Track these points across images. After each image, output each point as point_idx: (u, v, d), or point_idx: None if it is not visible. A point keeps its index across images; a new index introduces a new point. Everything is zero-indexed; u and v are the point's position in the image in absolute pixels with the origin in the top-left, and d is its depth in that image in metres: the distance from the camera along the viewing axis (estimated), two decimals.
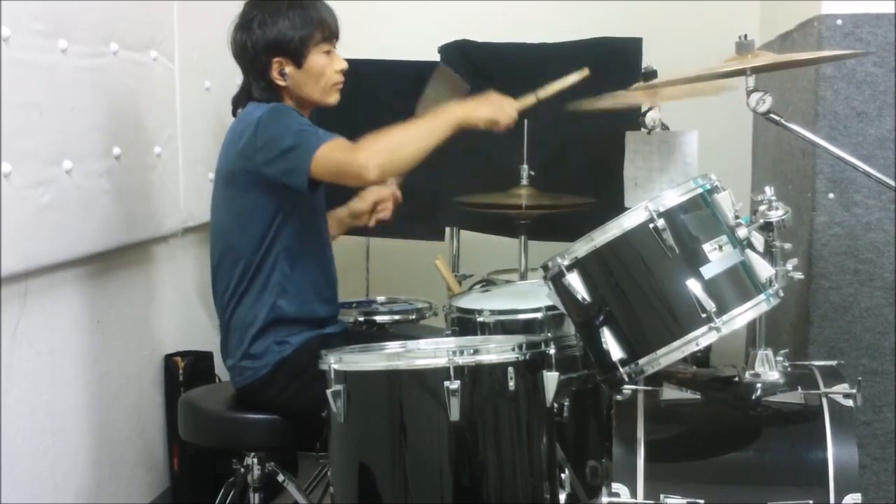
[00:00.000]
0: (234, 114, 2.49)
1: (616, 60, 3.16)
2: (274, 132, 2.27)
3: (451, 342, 2.37)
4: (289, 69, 2.39)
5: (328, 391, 2.05)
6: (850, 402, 2.08)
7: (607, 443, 2.18)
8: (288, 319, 2.40)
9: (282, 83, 2.40)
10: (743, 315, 2.01)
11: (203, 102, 3.28)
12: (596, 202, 2.91)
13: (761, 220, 2.12)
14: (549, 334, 2.32)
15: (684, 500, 2.00)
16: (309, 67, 2.40)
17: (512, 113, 2.40)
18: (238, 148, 2.34)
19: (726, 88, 2.55)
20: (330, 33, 2.43)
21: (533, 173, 2.99)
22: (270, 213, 2.36)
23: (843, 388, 2.11)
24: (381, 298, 3.20)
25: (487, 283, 3.09)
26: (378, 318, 2.92)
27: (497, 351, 2.06)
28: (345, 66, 2.45)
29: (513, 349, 2.05)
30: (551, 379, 2.08)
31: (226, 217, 2.42)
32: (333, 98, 2.47)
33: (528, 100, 2.50)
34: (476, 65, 3.40)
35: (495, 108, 2.37)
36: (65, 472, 2.60)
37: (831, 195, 2.75)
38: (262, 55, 2.37)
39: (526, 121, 3.02)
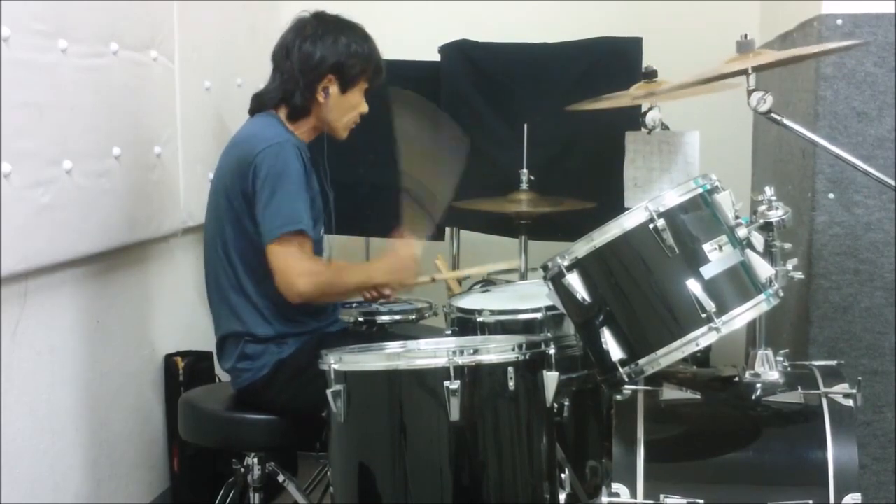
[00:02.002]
0: (252, 112, 2.52)
1: (616, 60, 3.17)
2: (268, 184, 2.31)
3: (451, 342, 2.37)
4: (333, 90, 2.45)
5: (328, 391, 2.05)
6: (850, 402, 2.08)
7: (607, 443, 2.18)
8: (284, 324, 2.41)
9: (322, 100, 2.45)
10: (743, 315, 2.00)
11: (203, 102, 3.28)
12: (596, 206, 2.91)
13: (761, 220, 2.12)
14: (549, 334, 2.32)
15: (684, 500, 2.00)
16: (349, 97, 2.49)
17: (412, 279, 2.57)
18: (235, 166, 2.38)
19: (729, 86, 2.55)
20: (377, 76, 2.52)
21: (533, 178, 2.99)
22: None
23: (843, 388, 2.11)
24: None
25: (487, 283, 3.09)
26: (378, 318, 2.92)
27: (497, 351, 2.06)
28: (366, 110, 2.54)
29: (513, 349, 2.05)
30: (551, 379, 2.08)
31: (221, 223, 2.43)
32: (345, 134, 2.55)
33: (425, 279, 2.72)
34: (476, 65, 3.40)
35: (405, 274, 2.53)
36: (65, 472, 2.60)
37: (831, 195, 2.75)
38: (322, 69, 2.44)
39: (526, 124, 3.03)
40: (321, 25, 2.48)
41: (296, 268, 2.30)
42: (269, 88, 2.50)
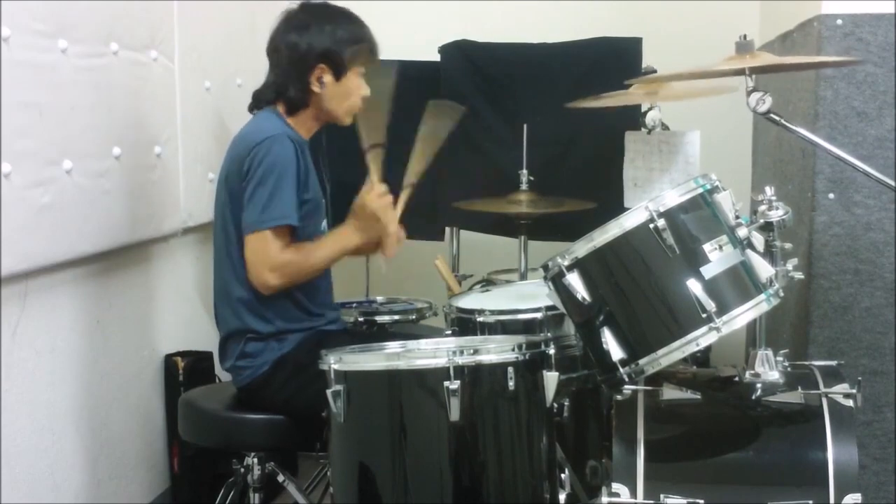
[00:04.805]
0: (251, 109, 2.52)
1: (616, 60, 3.17)
2: (256, 176, 2.31)
3: (451, 342, 2.37)
4: (327, 79, 2.43)
5: (328, 391, 2.05)
6: (850, 402, 2.08)
7: (607, 443, 2.18)
8: (286, 322, 2.41)
9: (317, 90, 2.43)
10: (743, 315, 2.00)
11: (203, 102, 3.28)
12: (596, 207, 2.91)
13: (761, 220, 2.12)
14: (549, 334, 2.32)
15: (684, 500, 2.00)
16: (345, 83, 2.45)
17: (388, 226, 2.43)
18: (236, 164, 2.38)
19: (727, 89, 2.55)
20: (371, 56, 2.49)
21: (532, 178, 2.99)
22: None
23: (843, 388, 2.11)
24: (381, 298, 3.20)
25: (487, 283, 3.09)
26: (378, 318, 2.92)
27: (497, 351, 2.06)
28: (368, 93, 2.49)
29: (513, 349, 2.05)
30: (551, 379, 2.08)
31: (227, 221, 2.43)
32: (349, 120, 2.50)
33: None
34: (476, 65, 3.40)
35: (377, 226, 2.42)
36: (65, 471, 2.60)
37: (831, 195, 2.75)
38: (311, 59, 2.42)
39: (525, 124, 3.03)
40: (307, 15, 2.45)
41: (268, 263, 2.32)
42: (266, 84, 2.50)
